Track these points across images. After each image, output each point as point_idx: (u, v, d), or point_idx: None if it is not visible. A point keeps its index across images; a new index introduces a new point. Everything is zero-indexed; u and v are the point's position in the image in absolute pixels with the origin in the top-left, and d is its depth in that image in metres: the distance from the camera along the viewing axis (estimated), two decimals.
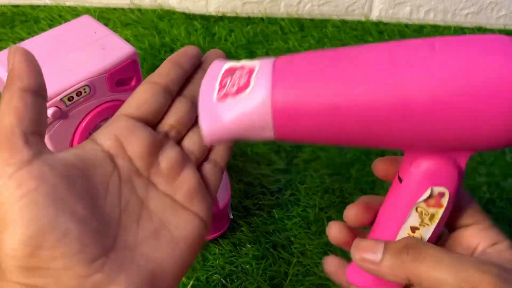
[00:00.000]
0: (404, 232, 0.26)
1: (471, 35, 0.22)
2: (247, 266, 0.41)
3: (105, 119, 0.43)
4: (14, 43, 0.64)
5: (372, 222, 0.30)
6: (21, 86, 0.23)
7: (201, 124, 0.24)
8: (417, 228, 0.26)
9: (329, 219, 0.45)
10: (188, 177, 0.26)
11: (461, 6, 0.68)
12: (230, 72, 0.25)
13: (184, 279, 0.40)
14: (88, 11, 0.70)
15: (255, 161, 0.50)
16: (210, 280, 0.40)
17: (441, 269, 0.23)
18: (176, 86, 0.29)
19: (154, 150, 0.26)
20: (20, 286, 0.20)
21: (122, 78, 0.42)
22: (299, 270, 0.41)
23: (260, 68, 0.24)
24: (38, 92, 0.24)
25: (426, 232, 0.26)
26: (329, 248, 0.43)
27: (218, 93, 0.24)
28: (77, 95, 0.39)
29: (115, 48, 0.41)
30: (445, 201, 0.25)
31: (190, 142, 0.28)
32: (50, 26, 0.67)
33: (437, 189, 0.25)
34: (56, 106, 0.38)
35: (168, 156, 0.27)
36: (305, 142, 0.24)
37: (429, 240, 0.26)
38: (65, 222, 0.21)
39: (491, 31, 0.69)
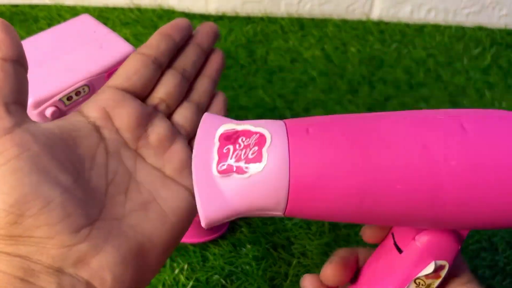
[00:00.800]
0: None
1: (496, 110, 0.21)
2: (247, 267, 0.41)
3: None
4: None
5: (350, 279, 0.28)
6: (0, 55, 0.22)
7: (198, 201, 0.21)
8: None
9: None
10: (178, 151, 0.26)
11: (462, 5, 0.68)
12: (231, 137, 0.21)
13: (184, 280, 0.40)
14: (87, 10, 0.70)
15: None
16: (210, 280, 0.40)
17: None
18: (166, 58, 0.28)
19: (143, 122, 0.26)
20: (3, 255, 0.20)
21: None
22: (300, 271, 0.41)
23: (273, 139, 0.20)
24: (18, 61, 0.23)
25: None
26: (329, 249, 0.43)
27: (218, 164, 0.21)
28: (76, 94, 0.39)
29: (114, 47, 0.41)
30: (443, 273, 0.24)
31: (180, 117, 0.28)
32: (49, 25, 0.67)
33: (439, 263, 0.24)
34: (55, 106, 0.38)
35: (158, 129, 0.26)
36: (314, 219, 0.23)
37: None
38: (48, 190, 0.20)
39: (492, 30, 0.68)
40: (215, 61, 0.31)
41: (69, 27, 0.43)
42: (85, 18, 0.44)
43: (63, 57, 0.40)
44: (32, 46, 0.41)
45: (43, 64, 0.39)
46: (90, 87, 0.39)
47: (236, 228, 0.44)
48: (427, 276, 0.24)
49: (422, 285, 0.24)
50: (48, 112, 0.37)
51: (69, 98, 0.38)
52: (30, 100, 0.36)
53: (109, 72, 0.40)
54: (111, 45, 0.41)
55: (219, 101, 0.31)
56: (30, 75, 0.38)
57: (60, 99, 0.38)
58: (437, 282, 0.24)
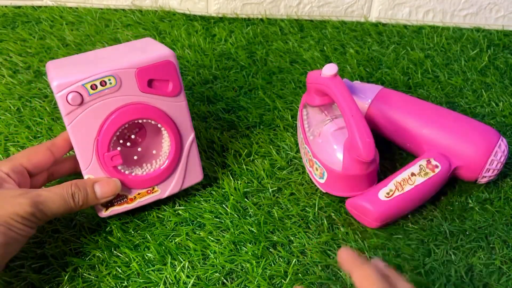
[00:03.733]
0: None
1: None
2: (247, 265, 0.42)
3: (133, 121, 0.41)
4: (16, 43, 0.64)
5: None
6: None
7: None
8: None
9: (328, 218, 0.46)
10: None
11: (459, 7, 0.68)
12: None
13: (184, 278, 0.40)
14: (89, 12, 0.71)
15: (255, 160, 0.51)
16: (210, 278, 0.41)
17: None
18: None
19: None
20: None
21: (155, 78, 0.41)
22: (299, 269, 0.42)
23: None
24: None
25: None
26: (328, 248, 0.43)
27: None
28: (101, 84, 0.39)
29: (154, 51, 0.41)
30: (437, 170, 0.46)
31: None
32: (51, 27, 0.68)
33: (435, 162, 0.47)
34: (77, 92, 0.38)
35: None
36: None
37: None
38: None
39: (489, 31, 0.69)
40: None
41: (128, 44, 0.45)
42: (148, 40, 0.45)
43: (101, 55, 0.41)
44: (87, 56, 0.43)
45: (81, 63, 0.40)
46: (117, 79, 0.39)
47: (236, 227, 0.45)
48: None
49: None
50: (70, 97, 0.38)
51: (93, 86, 0.38)
52: (54, 84, 0.37)
53: (140, 68, 0.39)
54: (152, 50, 0.42)
55: None
56: (65, 70, 0.39)
57: (84, 86, 0.38)
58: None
